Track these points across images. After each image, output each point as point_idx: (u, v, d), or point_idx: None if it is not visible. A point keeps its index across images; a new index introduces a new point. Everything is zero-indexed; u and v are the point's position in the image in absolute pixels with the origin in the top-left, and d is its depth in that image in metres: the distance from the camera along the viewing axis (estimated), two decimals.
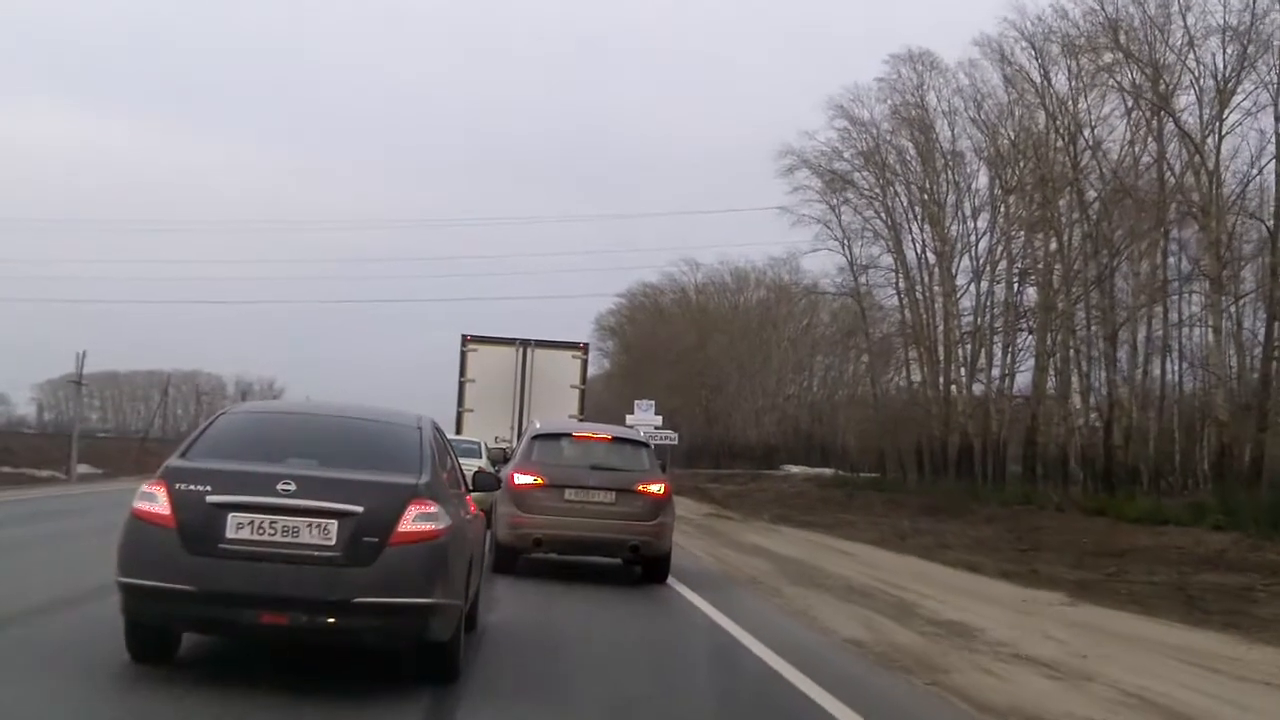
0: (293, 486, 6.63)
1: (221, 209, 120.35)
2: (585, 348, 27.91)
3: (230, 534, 6.55)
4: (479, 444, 21.74)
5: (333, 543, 6.57)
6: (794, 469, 61.90)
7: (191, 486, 6.67)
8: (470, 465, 14.27)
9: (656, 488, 13.91)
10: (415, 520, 6.73)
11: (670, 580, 14.06)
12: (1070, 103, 37.01)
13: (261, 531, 6.56)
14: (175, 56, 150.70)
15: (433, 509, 6.85)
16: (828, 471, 57.96)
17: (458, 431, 24.13)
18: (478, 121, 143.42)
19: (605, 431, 15.56)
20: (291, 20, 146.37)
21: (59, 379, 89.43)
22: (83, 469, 37.75)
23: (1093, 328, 36.28)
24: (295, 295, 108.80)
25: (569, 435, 15.03)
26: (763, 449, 70.12)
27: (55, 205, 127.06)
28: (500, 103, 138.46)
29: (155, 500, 6.70)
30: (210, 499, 6.62)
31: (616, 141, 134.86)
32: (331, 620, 6.55)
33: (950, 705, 8.05)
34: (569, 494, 13.67)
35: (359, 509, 6.63)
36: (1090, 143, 36.59)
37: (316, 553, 6.54)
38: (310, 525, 6.57)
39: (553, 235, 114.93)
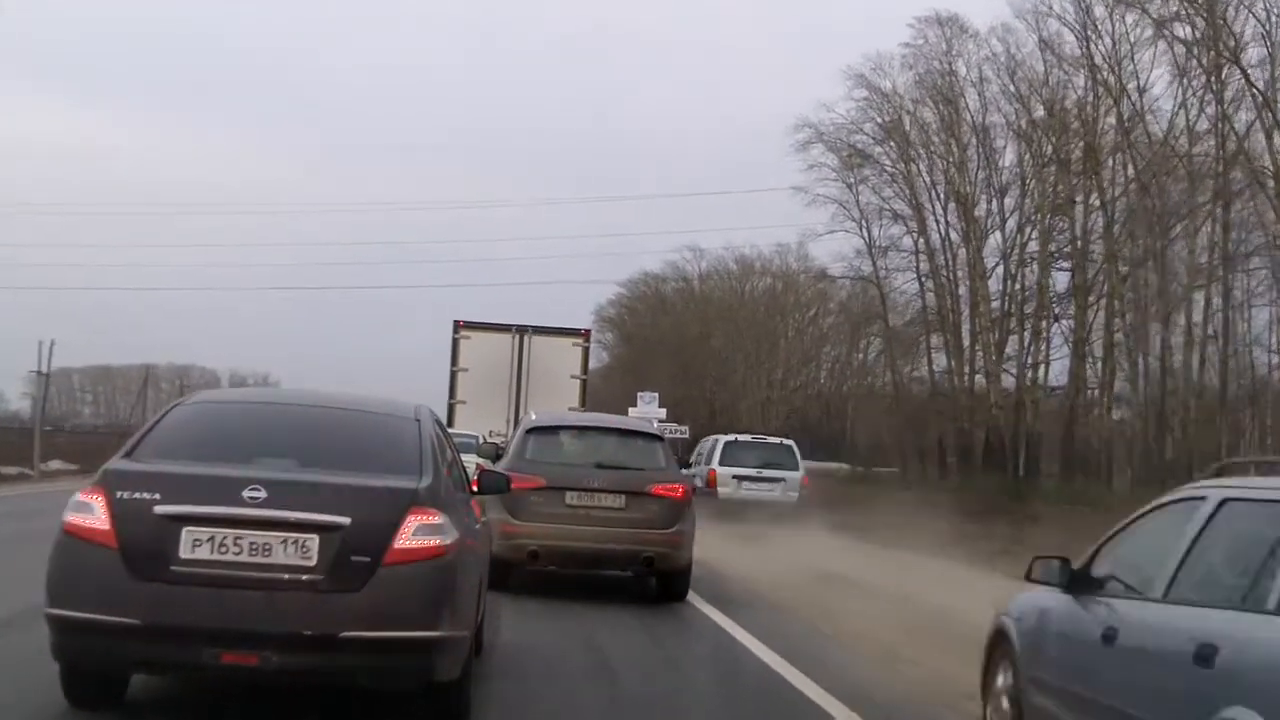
0: (263, 493, 5.68)
1: (217, 202, 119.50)
2: (587, 334, 27.16)
3: (185, 553, 5.61)
4: (478, 439, 20.68)
5: (313, 563, 5.64)
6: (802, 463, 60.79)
7: (136, 494, 5.71)
8: (470, 462, 13.13)
9: (674, 489, 12.37)
10: (416, 534, 5.80)
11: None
12: (1115, 63, 35.73)
13: (224, 550, 5.62)
14: (173, 48, 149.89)
15: (437, 519, 5.91)
16: (842, 467, 57.02)
17: (449, 425, 22.89)
18: (474, 110, 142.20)
19: (612, 423, 14.17)
20: (289, 12, 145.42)
21: (51, 373, 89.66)
22: (56, 465, 37.39)
23: (1142, 310, 35.05)
24: (290, 285, 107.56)
25: (570, 428, 13.57)
26: None
27: (43, 196, 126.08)
28: (497, 91, 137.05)
29: (91, 512, 5.74)
30: (159, 510, 5.66)
31: (616, 129, 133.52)
32: (312, 659, 5.64)
33: None
34: (570, 497, 12.17)
35: (346, 520, 5.70)
36: (1138, 108, 35.38)
37: (293, 575, 5.62)
38: (285, 541, 5.64)
39: (552, 224, 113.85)
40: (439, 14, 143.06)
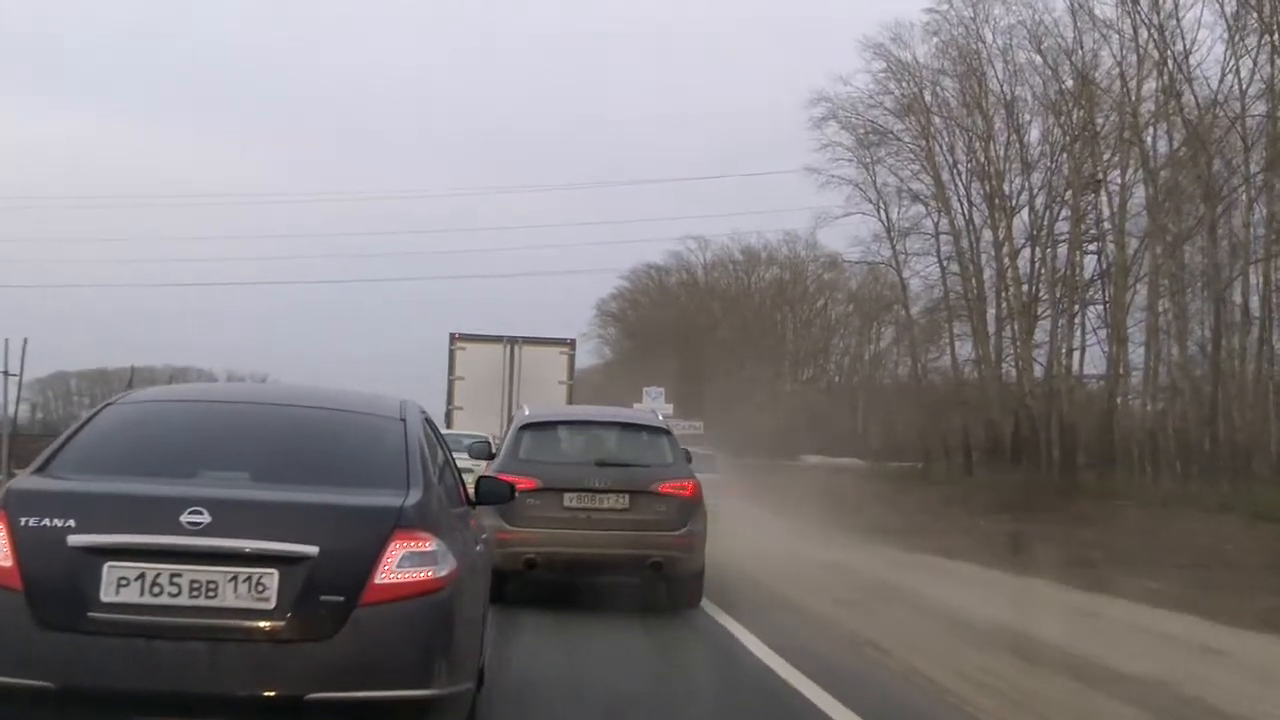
0: (206, 517, 4.79)
1: (214, 198, 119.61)
2: (572, 343, 30.31)
3: (107, 596, 4.72)
4: (488, 438, 20.16)
5: (271, 605, 4.78)
6: (813, 459, 60.23)
7: (46, 521, 4.81)
8: (474, 468, 12.20)
9: (683, 486, 11.85)
10: (401, 564, 4.95)
11: None
12: (1156, 24, 34.42)
13: (157, 591, 4.74)
14: (168, 45, 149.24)
15: (428, 545, 5.05)
16: (858, 462, 56.32)
17: (448, 428, 24.18)
18: (471, 100, 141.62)
19: (613, 417, 13.67)
20: (279, 9, 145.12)
21: (48, 378, 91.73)
22: None
23: (1188, 290, 34.01)
24: (289, 280, 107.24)
25: (567, 423, 13.09)
26: (779, 438, 68.81)
27: (36, 193, 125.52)
28: (493, 81, 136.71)
29: None
30: (75, 540, 4.76)
31: (615, 116, 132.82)
32: None
33: None
34: (569, 499, 11.64)
35: (312, 550, 4.83)
36: (1185, 72, 34.22)
37: (247, 621, 4.77)
38: (235, 578, 4.77)
39: (550, 215, 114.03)
40: (435, 6, 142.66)
